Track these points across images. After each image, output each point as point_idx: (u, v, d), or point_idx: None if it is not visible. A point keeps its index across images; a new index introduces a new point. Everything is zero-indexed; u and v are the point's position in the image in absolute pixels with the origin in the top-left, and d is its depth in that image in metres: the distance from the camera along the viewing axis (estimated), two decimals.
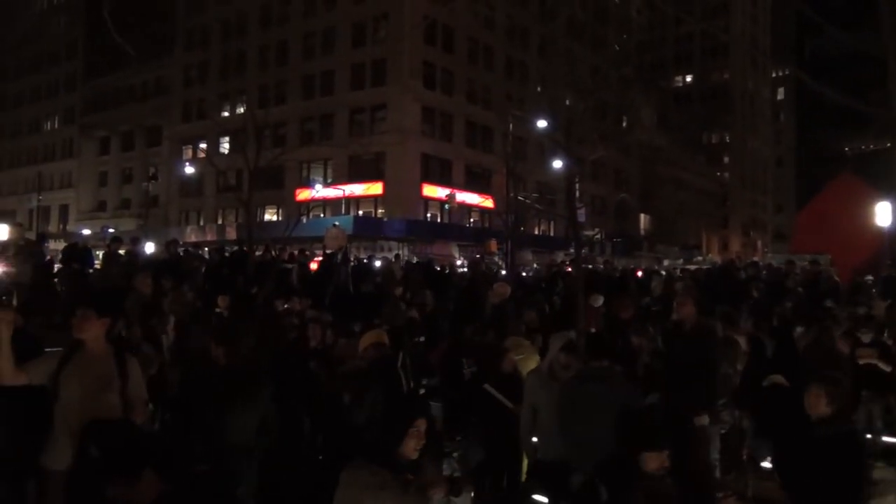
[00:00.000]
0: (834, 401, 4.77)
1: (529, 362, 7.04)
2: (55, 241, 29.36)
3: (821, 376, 5.16)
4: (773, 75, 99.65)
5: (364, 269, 16.90)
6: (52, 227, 62.75)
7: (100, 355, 4.37)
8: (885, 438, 7.98)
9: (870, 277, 16.57)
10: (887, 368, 8.40)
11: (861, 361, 7.73)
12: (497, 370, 6.40)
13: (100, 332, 4.40)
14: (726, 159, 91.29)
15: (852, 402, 7.84)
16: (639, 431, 4.25)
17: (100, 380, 4.29)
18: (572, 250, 15.96)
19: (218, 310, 10.05)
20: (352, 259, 17.00)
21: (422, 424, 3.57)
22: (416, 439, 3.51)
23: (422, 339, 7.90)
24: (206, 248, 20.24)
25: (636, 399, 5.24)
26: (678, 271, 22.88)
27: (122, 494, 3.12)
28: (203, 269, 14.77)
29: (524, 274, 24.05)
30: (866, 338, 8.77)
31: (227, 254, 17.30)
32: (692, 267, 29.65)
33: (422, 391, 6.89)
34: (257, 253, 15.73)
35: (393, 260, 21.85)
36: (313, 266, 16.74)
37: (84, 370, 4.27)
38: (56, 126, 71.90)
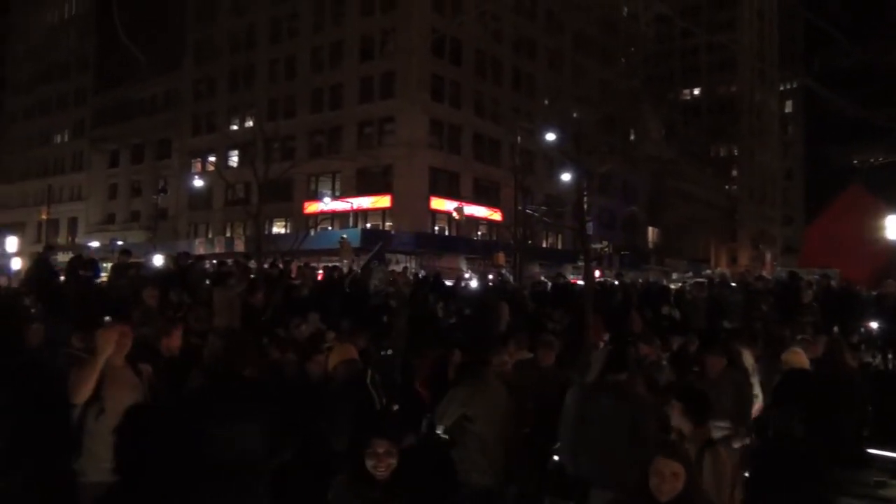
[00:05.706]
0: None
1: None
2: (63, 253, 29.61)
3: None
4: (781, 88, 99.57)
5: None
6: (62, 240, 62.97)
7: (123, 366, 4.66)
8: (885, 453, 7.92)
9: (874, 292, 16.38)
10: None
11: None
12: None
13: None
14: (734, 172, 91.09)
15: (861, 417, 7.79)
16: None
17: (132, 389, 4.56)
18: (580, 263, 15.95)
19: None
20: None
21: (380, 446, 3.40)
22: (372, 460, 3.38)
23: (389, 352, 7.61)
24: (215, 261, 20.21)
25: (646, 412, 5.17)
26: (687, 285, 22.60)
27: None
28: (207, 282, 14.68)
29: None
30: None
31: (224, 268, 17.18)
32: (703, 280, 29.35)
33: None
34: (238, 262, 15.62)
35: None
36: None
37: (120, 382, 4.54)
38: (66, 139, 72.23)
